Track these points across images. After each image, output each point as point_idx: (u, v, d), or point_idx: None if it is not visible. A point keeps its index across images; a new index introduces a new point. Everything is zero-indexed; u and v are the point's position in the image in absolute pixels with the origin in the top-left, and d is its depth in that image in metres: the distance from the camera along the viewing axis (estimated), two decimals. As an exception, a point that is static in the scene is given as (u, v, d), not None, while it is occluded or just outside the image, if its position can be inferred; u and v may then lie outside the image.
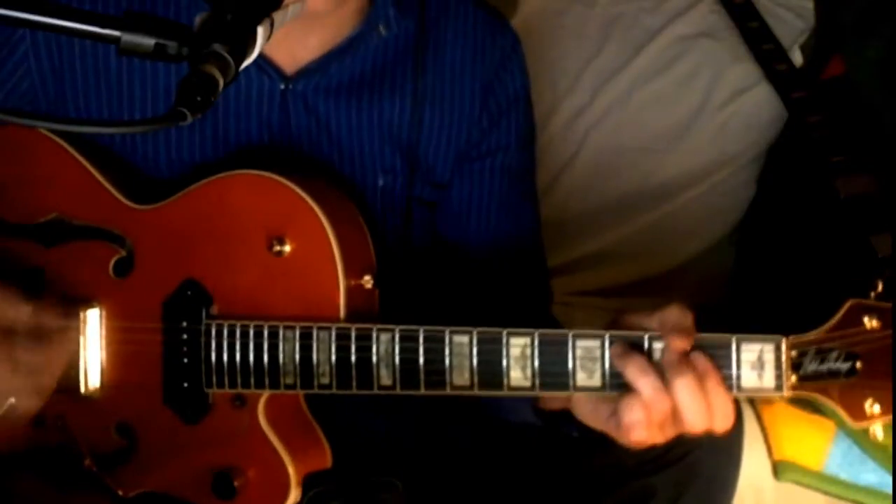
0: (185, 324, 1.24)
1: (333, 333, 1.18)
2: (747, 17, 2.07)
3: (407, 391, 1.17)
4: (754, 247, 2.12)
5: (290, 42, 1.30)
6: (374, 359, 1.17)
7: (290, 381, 1.20)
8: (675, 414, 1.09)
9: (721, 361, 1.10)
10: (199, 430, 1.25)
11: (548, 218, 1.56)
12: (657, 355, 1.11)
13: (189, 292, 1.24)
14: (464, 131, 1.40)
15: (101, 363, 1.28)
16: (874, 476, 1.65)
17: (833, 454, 1.66)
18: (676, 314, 1.11)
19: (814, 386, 1.10)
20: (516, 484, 1.44)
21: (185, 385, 1.24)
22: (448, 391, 1.16)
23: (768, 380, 1.10)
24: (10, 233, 1.30)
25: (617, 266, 2.05)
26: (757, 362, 1.10)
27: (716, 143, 2.07)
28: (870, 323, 1.08)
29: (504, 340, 1.14)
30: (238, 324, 1.21)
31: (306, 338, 1.19)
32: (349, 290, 1.21)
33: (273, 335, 1.20)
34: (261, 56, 1.23)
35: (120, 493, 1.28)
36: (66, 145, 1.30)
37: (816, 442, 1.67)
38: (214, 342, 1.22)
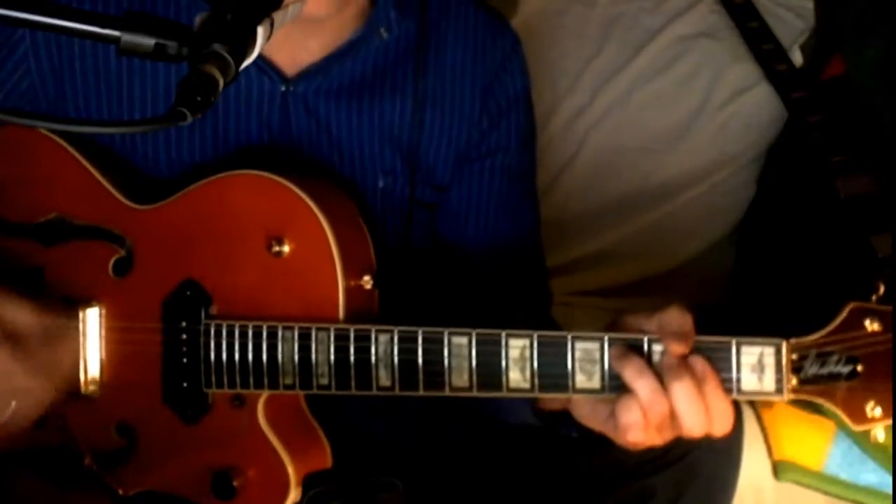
0: (184, 324, 1.24)
1: (332, 334, 1.18)
2: (747, 17, 2.06)
3: (406, 392, 1.17)
4: (754, 247, 2.12)
5: (291, 44, 1.31)
6: (373, 359, 1.17)
7: (288, 381, 1.20)
8: (672, 417, 1.09)
9: (721, 364, 1.10)
10: (199, 430, 1.25)
11: (548, 218, 1.56)
12: (656, 357, 1.10)
13: (188, 292, 1.24)
14: (464, 132, 1.40)
15: (101, 363, 1.28)
16: (874, 476, 1.65)
17: (833, 454, 1.66)
18: (676, 316, 1.10)
19: (814, 389, 1.09)
20: (516, 484, 1.44)
21: (185, 385, 1.24)
22: (447, 392, 1.16)
23: (768, 383, 1.09)
24: (9, 232, 1.30)
25: (617, 266, 2.05)
26: (757, 365, 1.09)
27: (716, 143, 2.07)
28: (871, 326, 1.08)
29: (503, 342, 1.14)
30: (237, 324, 1.21)
31: (305, 338, 1.19)
32: (348, 291, 1.21)
33: (272, 335, 1.20)
34: (261, 57, 1.24)
35: (120, 492, 1.28)
36: (66, 145, 1.30)
37: (816, 442, 1.66)
38: (213, 342, 1.22)
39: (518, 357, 1.13)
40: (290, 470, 1.23)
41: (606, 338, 1.12)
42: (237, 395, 1.23)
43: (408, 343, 1.16)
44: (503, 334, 1.14)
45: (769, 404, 1.68)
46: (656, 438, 1.10)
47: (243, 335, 1.21)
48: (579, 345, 1.12)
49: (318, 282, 1.20)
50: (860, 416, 1.09)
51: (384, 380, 1.17)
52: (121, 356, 1.27)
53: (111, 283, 1.27)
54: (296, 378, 1.19)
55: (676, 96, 2.07)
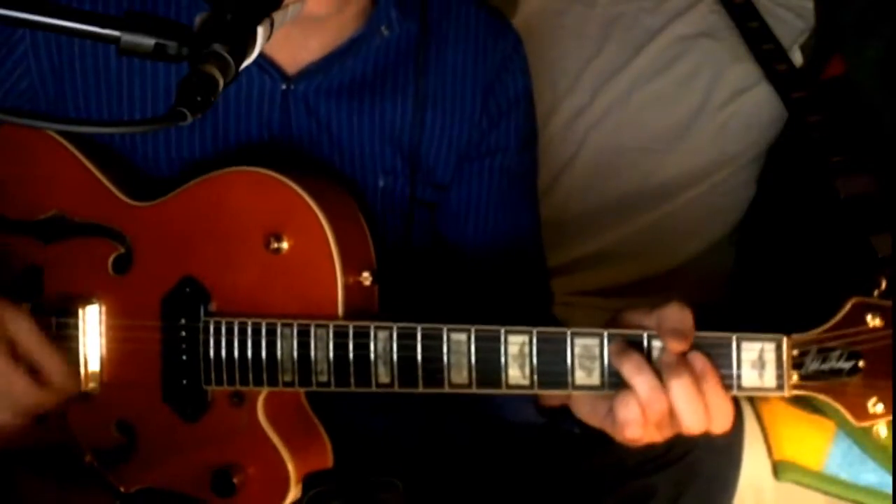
0: (183, 321, 1.24)
1: (331, 331, 1.18)
2: (747, 17, 2.06)
3: (405, 389, 1.17)
4: (754, 247, 2.12)
5: (292, 43, 1.31)
6: (372, 356, 1.17)
7: (288, 378, 1.20)
8: (671, 415, 1.08)
9: (721, 361, 1.09)
10: (199, 428, 1.25)
11: (548, 218, 1.56)
12: (656, 354, 1.10)
13: (187, 289, 1.24)
14: (465, 132, 1.41)
15: (101, 360, 1.28)
16: (874, 476, 1.65)
17: (833, 454, 1.66)
18: (675, 313, 1.10)
19: (815, 385, 1.09)
20: (516, 483, 1.44)
21: (184, 382, 1.25)
22: (446, 389, 1.15)
23: (769, 379, 1.09)
24: (9, 229, 1.31)
25: (617, 266, 2.04)
26: (758, 361, 1.09)
27: (716, 143, 2.06)
28: (872, 321, 1.07)
29: (502, 338, 1.14)
30: (236, 321, 1.21)
31: (304, 335, 1.19)
32: (347, 288, 1.21)
33: (271, 332, 1.20)
34: (262, 56, 1.24)
35: (121, 489, 1.29)
36: (65, 143, 1.30)
37: (816, 442, 1.66)
38: (213, 339, 1.22)
39: (517, 353, 1.13)
40: (290, 467, 1.23)
41: (606, 333, 1.12)
42: (236, 392, 1.23)
43: (407, 340, 1.16)
44: (502, 331, 1.14)
45: (769, 403, 1.67)
46: (655, 435, 1.10)
47: (242, 332, 1.21)
48: (579, 341, 1.12)
49: (317, 278, 1.21)
50: (862, 413, 1.08)
51: (383, 377, 1.17)
52: (120, 354, 1.28)
53: (111, 281, 1.28)
54: (295, 375, 1.19)
55: (676, 96, 2.07)
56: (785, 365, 1.08)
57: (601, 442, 1.16)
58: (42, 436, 1.29)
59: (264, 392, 1.22)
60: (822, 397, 1.09)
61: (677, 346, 1.08)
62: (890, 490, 1.60)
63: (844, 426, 1.63)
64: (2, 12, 0.93)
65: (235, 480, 1.23)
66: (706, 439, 1.12)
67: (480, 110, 1.41)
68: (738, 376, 1.09)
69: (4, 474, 1.29)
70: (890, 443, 1.11)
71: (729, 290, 2.10)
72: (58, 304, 1.28)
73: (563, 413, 1.20)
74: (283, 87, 1.33)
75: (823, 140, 1.96)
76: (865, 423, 1.08)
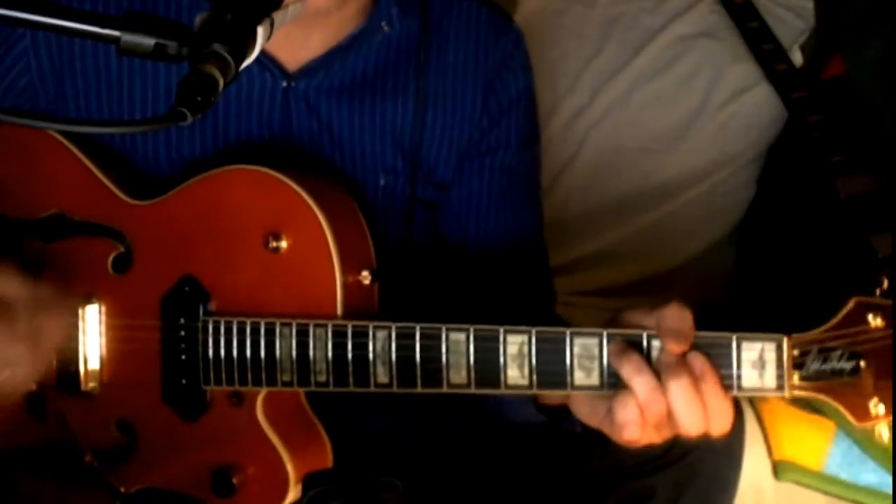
0: (182, 320, 1.24)
1: (330, 330, 1.18)
2: (747, 17, 2.06)
3: (404, 389, 1.16)
4: (754, 247, 2.12)
5: (293, 40, 1.31)
6: (371, 356, 1.16)
7: (286, 378, 1.20)
8: (670, 415, 1.07)
9: (721, 361, 1.08)
10: (198, 428, 1.25)
11: (548, 218, 1.56)
12: (656, 354, 1.09)
13: (187, 288, 1.24)
14: (465, 131, 1.41)
15: (101, 360, 1.28)
16: (874, 476, 1.65)
17: (833, 454, 1.66)
18: (675, 313, 1.09)
19: (816, 386, 1.08)
20: (516, 483, 1.44)
21: (183, 382, 1.25)
22: (445, 389, 1.15)
23: (769, 379, 1.08)
24: (9, 229, 1.31)
25: (617, 266, 2.04)
26: (758, 361, 1.08)
27: (716, 143, 2.06)
28: (874, 321, 1.06)
29: (501, 338, 1.13)
30: (235, 320, 1.21)
31: (303, 335, 1.19)
32: (346, 287, 1.21)
33: (270, 332, 1.20)
34: (263, 53, 1.24)
35: (121, 489, 1.28)
36: (65, 142, 1.30)
37: (816, 442, 1.66)
38: (212, 339, 1.22)
39: (516, 353, 1.13)
40: (290, 467, 1.23)
41: (605, 333, 1.11)
42: (236, 392, 1.23)
43: (406, 339, 1.15)
44: (501, 330, 1.13)
45: (769, 403, 1.67)
46: (654, 437, 1.09)
47: (241, 332, 1.21)
48: (578, 341, 1.11)
49: (316, 278, 1.20)
50: (863, 413, 1.07)
51: (382, 377, 1.17)
52: (120, 353, 1.28)
53: (111, 280, 1.28)
54: (294, 375, 1.19)
55: (676, 96, 2.07)
56: (785, 365, 1.07)
57: (601, 442, 1.15)
58: (42, 436, 1.29)
59: (263, 392, 1.22)
60: (822, 398, 1.08)
61: (676, 346, 1.07)
62: (890, 490, 1.59)
63: (845, 426, 1.63)
64: (2, 12, 0.93)
65: (235, 480, 1.23)
66: (706, 440, 1.11)
67: (481, 108, 1.41)
68: (739, 377, 1.08)
69: (4, 474, 1.29)
70: (891, 445, 1.10)
71: (729, 290, 2.10)
72: (58, 304, 1.28)
73: (564, 412, 1.20)
74: (284, 84, 1.33)
75: (823, 140, 1.96)
76: (866, 424, 1.07)
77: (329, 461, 1.28)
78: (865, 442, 1.63)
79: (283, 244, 1.21)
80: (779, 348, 1.08)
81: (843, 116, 1.98)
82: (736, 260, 2.13)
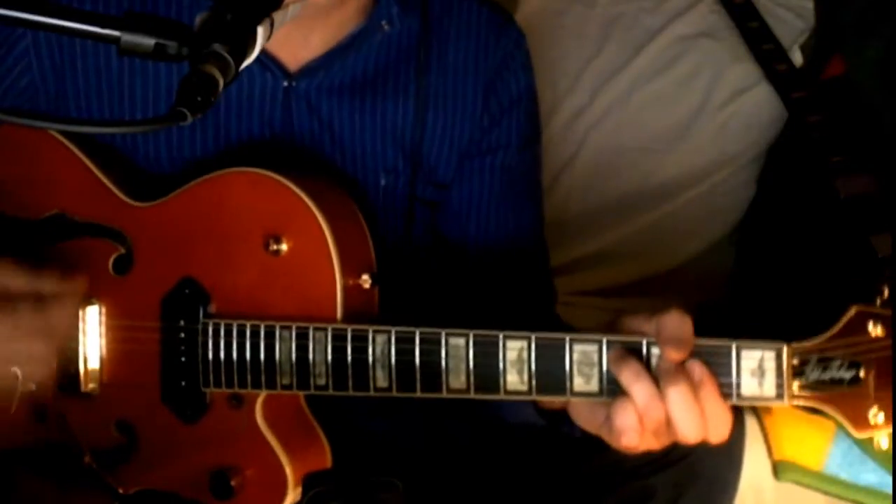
0: (182, 322, 1.24)
1: (329, 334, 1.17)
2: (747, 17, 2.06)
3: (403, 393, 1.16)
4: (754, 247, 2.12)
5: (293, 40, 1.31)
6: (370, 360, 1.16)
7: (286, 381, 1.19)
8: (668, 422, 1.06)
9: (720, 369, 1.07)
10: (197, 430, 1.25)
11: (548, 218, 1.56)
12: (655, 361, 1.08)
13: (187, 290, 1.24)
14: (466, 130, 1.40)
15: (101, 361, 1.28)
16: (874, 476, 1.65)
17: (833, 454, 1.66)
18: (675, 320, 1.08)
19: (816, 394, 1.07)
20: (516, 484, 1.44)
21: (183, 384, 1.24)
22: (444, 394, 1.15)
23: (769, 388, 1.07)
24: (10, 229, 1.30)
25: (617, 266, 2.04)
26: (757, 370, 1.07)
27: (716, 143, 2.07)
28: (874, 330, 1.05)
29: (501, 343, 1.12)
30: (235, 323, 1.21)
31: (302, 338, 1.18)
32: (346, 290, 1.20)
33: (269, 335, 1.19)
34: (264, 53, 1.24)
35: (120, 490, 1.28)
36: (66, 142, 1.30)
37: (816, 442, 1.66)
38: (211, 341, 1.22)
39: (516, 359, 1.12)
40: (288, 470, 1.23)
41: (605, 340, 1.10)
42: (235, 394, 1.23)
43: (405, 344, 1.15)
44: (501, 336, 1.13)
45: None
46: (652, 443, 1.08)
47: (241, 334, 1.20)
48: (577, 347, 1.10)
49: (317, 281, 1.20)
50: (862, 423, 1.06)
51: (381, 380, 1.16)
52: (120, 354, 1.28)
53: (111, 281, 1.27)
54: (293, 378, 1.19)
55: (676, 96, 2.07)
56: (785, 374, 1.06)
57: (601, 444, 1.15)
58: (42, 436, 1.29)
59: (263, 394, 1.22)
60: (822, 407, 1.07)
61: (676, 354, 1.06)
62: (890, 490, 1.60)
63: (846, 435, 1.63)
64: (2, 12, 0.93)
65: (233, 483, 1.23)
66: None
67: (482, 108, 1.41)
68: (738, 385, 1.07)
69: (4, 474, 1.29)
70: (890, 453, 1.09)
71: (729, 290, 2.11)
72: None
73: (563, 416, 1.20)
74: (285, 84, 1.33)
75: (823, 140, 1.96)
76: (866, 434, 1.06)
77: (328, 464, 1.28)
78: (866, 442, 1.63)
79: (284, 247, 1.21)
80: (778, 357, 1.07)
81: (843, 116, 1.98)
82: (736, 260, 2.13)
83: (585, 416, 1.15)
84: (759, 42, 2.05)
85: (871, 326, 1.05)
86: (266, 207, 1.22)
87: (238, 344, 1.21)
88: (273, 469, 1.23)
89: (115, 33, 0.94)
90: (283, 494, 1.23)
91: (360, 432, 1.38)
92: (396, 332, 1.16)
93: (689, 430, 1.06)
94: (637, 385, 1.06)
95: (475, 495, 1.44)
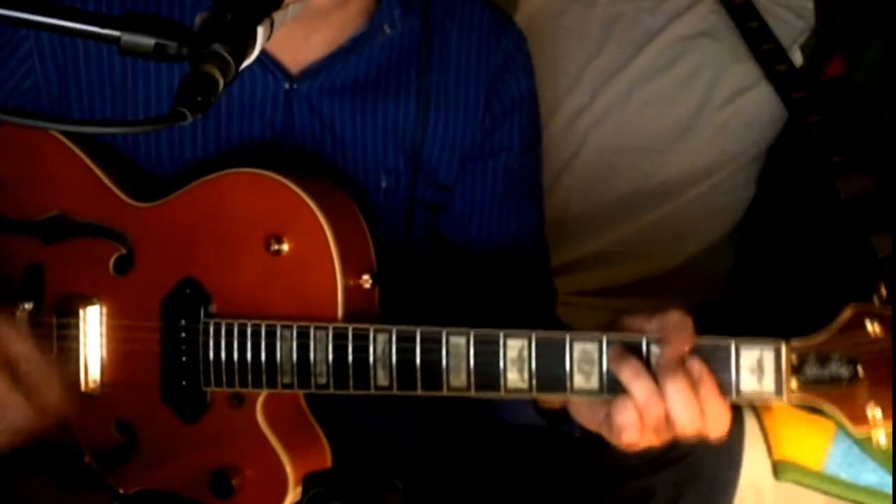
0: (183, 322, 1.24)
1: (330, 333, 1.18)
2: (747, 17, 2.06)
3: (404, 392, 1.16)
4: (754, 247, 2.12)
5: (295, 42, 1.31)
6: (371, 359, 1.16)
7: (287, 380, 1.20)
8: (668, 418, 1.08)
9: (719, 366, 1.08)
10: (198, 429, 1.25)
11: (548, 218, 1.56)
12: (655, 359, 1.09)
13: (188, 290, 1.24)
14: (468, 133, 1.40)
15: (102, 360, 1.28)
16: (874, 476, 1.64)
17: (833, 454, 1.66)
18: (675, 319, 1.09)
19: (814, 392, 1.08)
20: (516, 483, 1.44)
21: (184, 383, 1.25)
22: (445, 392, 1.15)
23: (768, 385, 1.08)
24: (10, 229, 1.31)
25: (617, 266, 2.05)
26: (756, 367, 1.08)
27: (716, 143, 2.07)
28: (872, 328, 1.06)
29: (501, 342, 1.13)
30: (236, 323, 1.21)
31: (303, 337, 1.19)
32: (347, 290, 1.21)
33: (270, 334, 1.20)
34: (265, 55, 1.24)
35: (120, 490, 1.29)
36: (68, 143, 1.30)
37: (816, 442, 1.66)
38: (212, 341, 1.22)
39: (516, 357, 1.13)
40: (289, 469, 1.23)
41: (605, 338, 1.11)
42: (236, 394, 1.23)
43: (406, 343, 1.16)
44: (501, 334, 1.13)
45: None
46: (652, 440, 1.09)
47: (242, 334, 1.21)
48: (577, 345, 1.11)
49: (317, 281, 1.20)
50: (861, 420, 1.07)
51: (382, 379, 1.17)
52: (121, 354, 1.28)
53: (112, 281, 1.28)
54: (294, 377, 1.19)
55: (676, 96, 2.07)
56: (784, 371, 1.07)
57: (601, 443, 1.15)
58: (42, 436, 1.29)
59: (263, 394, 1.22)
60: (820, 404, 1.08)
61: (675, 352, 1.08)
62: (890, 490, 1.60)
63: (845, 432, 1.63)
64: (3, 12, 0.93)
65: (234, 482, 1.23)
66: (705, 441, 1.12)
67: (484, 110, 1.41)
68: (737, 382, 1.08)
69: (4, 474, 1.29)
70: (889, 451, 1.10)
71: (729, 290, 2.11)
72: (59, 305, 1.28)
73: (563, 416, 1.20)
74: (287, 86, 1.33)
75: (823, 140, 1.96)
76: (864, 430, 1.07)
77: (328, 463, 1.28)
78: (865, 442, 1.63)
79: (285, 247, 1.21)
80: (777, 354, 1.08)
81: (843, 116, 1.98)
82: (736, 260, 2.13)
83: (585, 414, 1.16)
84: (759, 42, 2.05)
85: (869, 325, 1.06)
86: (267, 208, 1.22)
87: (239, 343, 1.21)
88: (273, 469, 1.23)
89: (115, 33, 0.94)
90: (283, 494, 1.23)
91: (360, 430, 1.38)
92: (397, 331, 1.16)
93: (688, 426, 1.07)
94: (637, 382, 1.07)
95: (475, 495, 1.44)
